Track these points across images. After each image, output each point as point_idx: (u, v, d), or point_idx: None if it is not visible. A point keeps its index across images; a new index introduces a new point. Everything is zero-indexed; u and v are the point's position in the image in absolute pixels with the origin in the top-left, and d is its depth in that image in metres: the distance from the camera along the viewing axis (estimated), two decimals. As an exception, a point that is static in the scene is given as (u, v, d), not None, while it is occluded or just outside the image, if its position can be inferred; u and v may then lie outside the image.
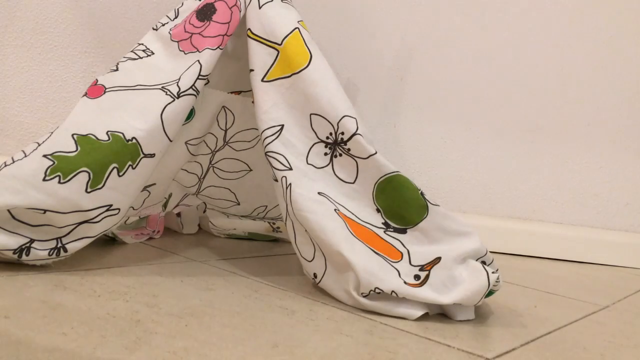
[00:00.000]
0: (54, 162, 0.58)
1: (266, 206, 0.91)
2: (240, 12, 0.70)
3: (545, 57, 1.13)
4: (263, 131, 0.67)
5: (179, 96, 0.65)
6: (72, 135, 0.60)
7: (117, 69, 0.68)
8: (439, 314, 0.62)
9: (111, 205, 0.62)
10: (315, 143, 0.67)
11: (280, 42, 0.67)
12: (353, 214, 0.66)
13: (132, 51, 0.71)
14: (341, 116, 0.66)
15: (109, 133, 0.61)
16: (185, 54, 0.69)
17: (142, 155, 0.63)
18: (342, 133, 0.66)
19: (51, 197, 0.57)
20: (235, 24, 0.70)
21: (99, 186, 0.60)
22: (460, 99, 1.14)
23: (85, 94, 0.65)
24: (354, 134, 0.66)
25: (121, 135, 0.62)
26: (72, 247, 0.61)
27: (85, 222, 0.61)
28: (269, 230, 0.94)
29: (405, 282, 0.60)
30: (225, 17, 0.69)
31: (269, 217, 0.95)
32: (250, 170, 0.86)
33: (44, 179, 0.57)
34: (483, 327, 0.61)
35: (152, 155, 0.64)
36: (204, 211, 0.93)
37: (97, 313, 0.49)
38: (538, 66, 1.13)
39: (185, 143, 0.76)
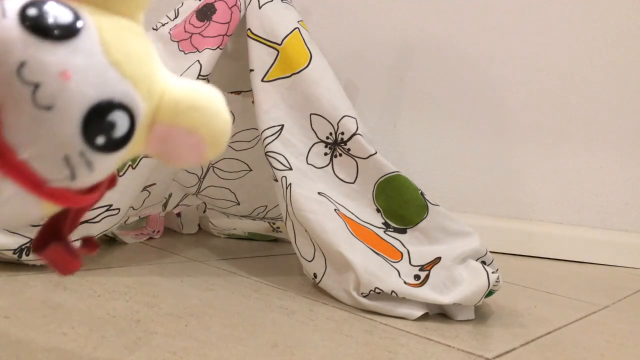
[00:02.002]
0: (54, 162, 0.58)
1: (266, 206, 0.91)
2: (240, 12, 0.70)
3: (545, 56, 1.13)
4: (263, 131, 0.67)
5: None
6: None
7: (117, 69, 0.68)
8: (439, 314, 0.62)
9: (111, 205, 0.62)
10: (315, 143, 0.67)
11: (280, 42, 0.67)
12: (353, 214, 0.66)
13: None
14: (341, 116, 0.66)
15: (109, 133, 0.61)
16: (185, 54, 0.69)
17: (142, 155, 0.63)
18: (342, 133, 0.66)
19: (51, 197, 0.57)
20: (235, 24, 0.70)
21: (99, 186, 0.60)
22: (460, 98, 1.14)
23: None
24: (354, 134, 0.66)
25: (121, 135, 0.62)
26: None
27: (85, 222, 0.61)
28: (269, 230, 0.94)
29: (405, 282, 0.60)
30: (225, 17, 0.69)
31: (269, 217, 0.95)
32: (250, 170, 0.86)
33: (44, 179, 0.57)
34: (483, 327, 0.61)
35: (152, 155, 0.64)
36: (204, 211, 0.93)
37: (97, 313, 0.49)
38: (538, 66, 1.13)
39: (185, 143, 0.76)
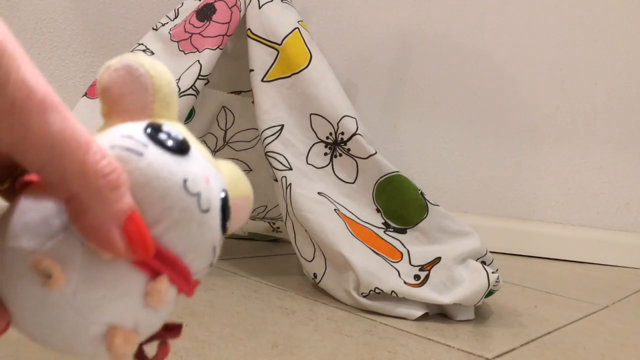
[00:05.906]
0: (54, 162, 0.58)
1: (266, 206, 0.91)
2: (240, 12, 0.70)
3: (545, 56, 1.13)
4: (263, 131, 0.67)
5: (179, 96, 0.65)
6: (72, 135, 0.60)
7: (117, 69, 0.68)
8: (439, 314, 0.62)
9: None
10: (315, 143, 0.67)
11: (280, 42, 0.67)
12: (353, 214, 0.66)
13: (132, 51, 0.71)
14: (341, 116, 0.66)
15: (109, 133, 0.61)
16: (185, 54, 0.69)
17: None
18: (342, 133, 0.66)
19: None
20: (235, 24, 0.70)
21: (99, 186, 0.60)
22: (460, 98, 1.14)
23: (85, 94, 0.65)
24: (354, 134, 0.66)
25: (121, 135, 0.62)
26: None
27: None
28: (269, 230, 0.94)
29: (405, 282, 0.60)
30: (225, 17, 0.69)
31: (269, 217, 0.95)
32: (250, 170, 0.86)
33: (44, 179, 0.57)
34: (483, 327, 0.61)
35: (152, 155, 0.64)
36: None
37: (97, 313, 0.49)
38: (538, 66, 1.13)
39: (185, 143, 0.76)
